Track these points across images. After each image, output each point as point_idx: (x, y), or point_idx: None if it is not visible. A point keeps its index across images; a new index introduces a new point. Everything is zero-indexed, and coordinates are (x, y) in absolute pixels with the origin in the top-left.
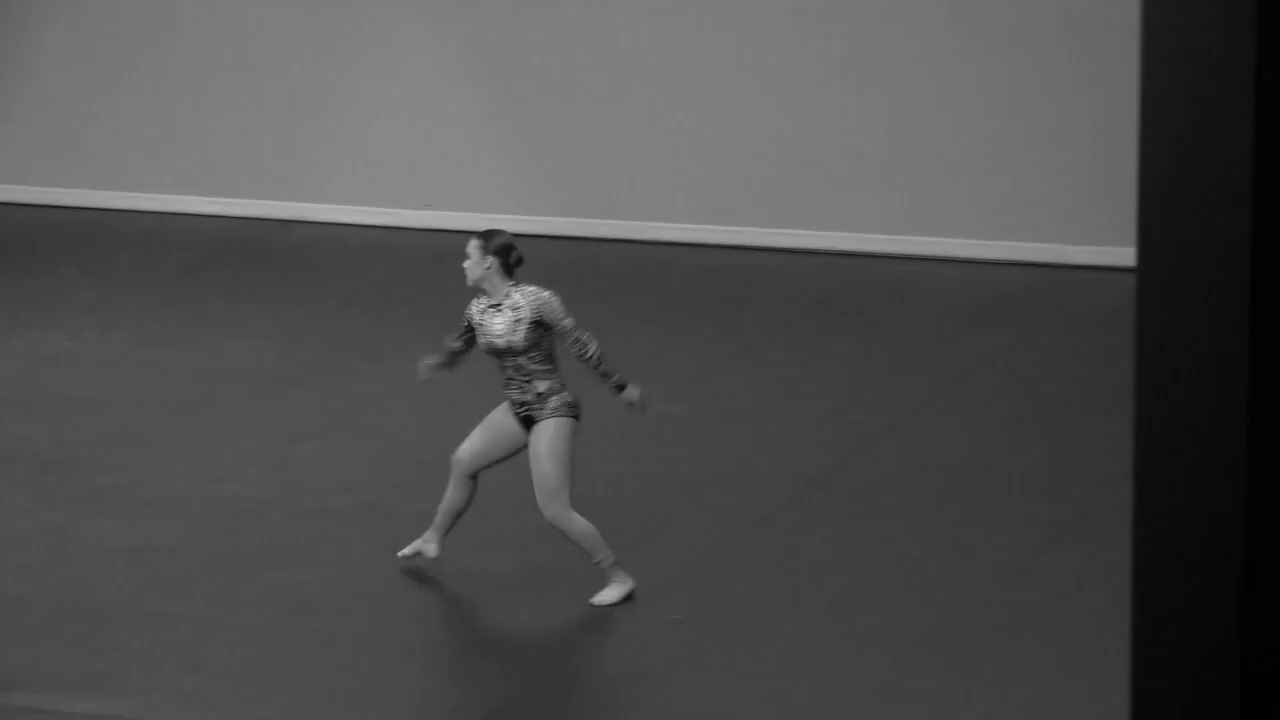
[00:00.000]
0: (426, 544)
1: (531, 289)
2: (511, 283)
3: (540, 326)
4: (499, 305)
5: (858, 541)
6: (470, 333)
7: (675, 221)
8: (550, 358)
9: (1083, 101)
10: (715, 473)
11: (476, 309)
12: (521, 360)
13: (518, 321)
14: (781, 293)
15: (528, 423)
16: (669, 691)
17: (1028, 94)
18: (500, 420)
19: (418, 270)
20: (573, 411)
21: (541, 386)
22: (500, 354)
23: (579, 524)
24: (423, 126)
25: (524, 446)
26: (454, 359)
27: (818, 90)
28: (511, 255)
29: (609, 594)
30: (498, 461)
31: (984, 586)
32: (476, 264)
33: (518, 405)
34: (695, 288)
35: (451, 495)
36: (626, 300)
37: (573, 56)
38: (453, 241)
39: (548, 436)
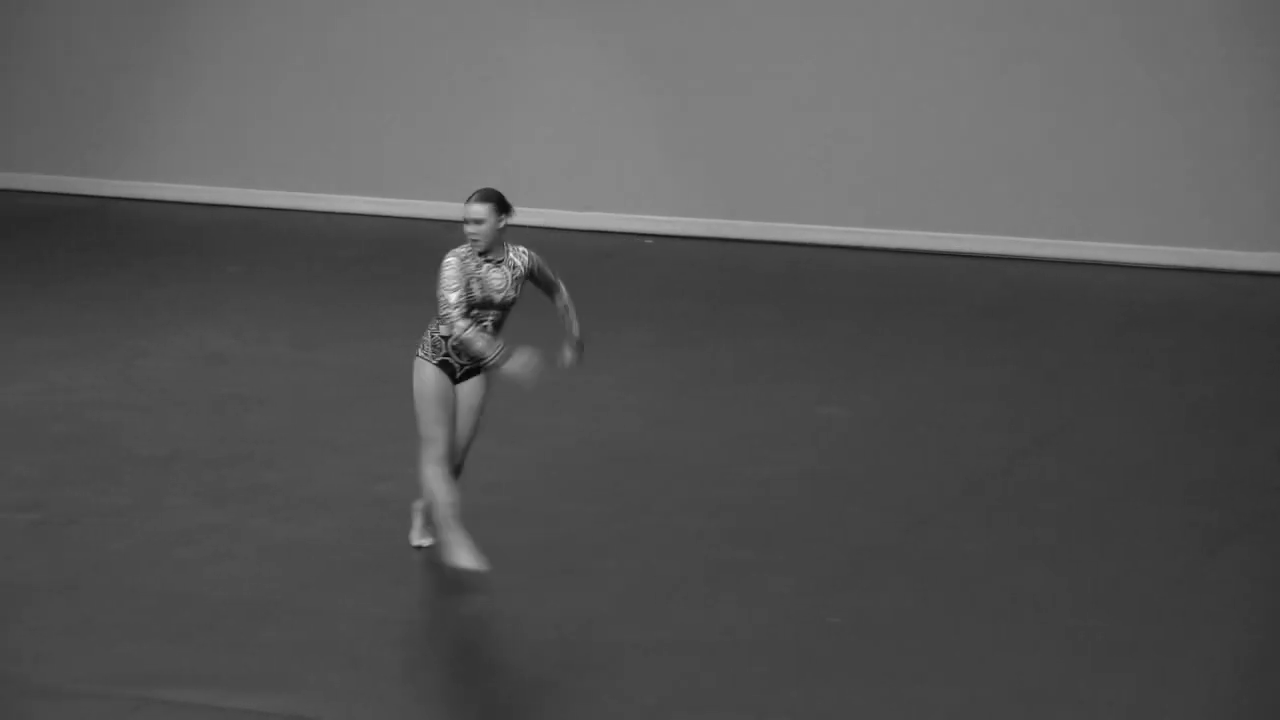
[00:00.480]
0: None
1: (522, 248)
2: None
3: (525, 282)
4: (499, 261)
5: (1019, 545)
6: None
7: (834, 224)
8: None
9: (1255, 107)
10: (876, 474)
11: (474, 264)
12: (500, 315)
13: (516, 278)
14: (942, 296)
15: (460, 375)
16: (828, 695)
17: (1196, 99)
18: (444, 389)
19: (579, 269)
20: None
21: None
22: (494, 307)
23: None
24: (582, 128)
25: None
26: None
27: (981, 93)
28: (511, 214)
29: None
30: None
31: (1147, 593)
32: (492, 226)
33: (463, 361)
34: (854, 291)
35: (451, 491)
36: (784, 303)
37: (733, 58)
38: (610, 242)
39: (482, 393)
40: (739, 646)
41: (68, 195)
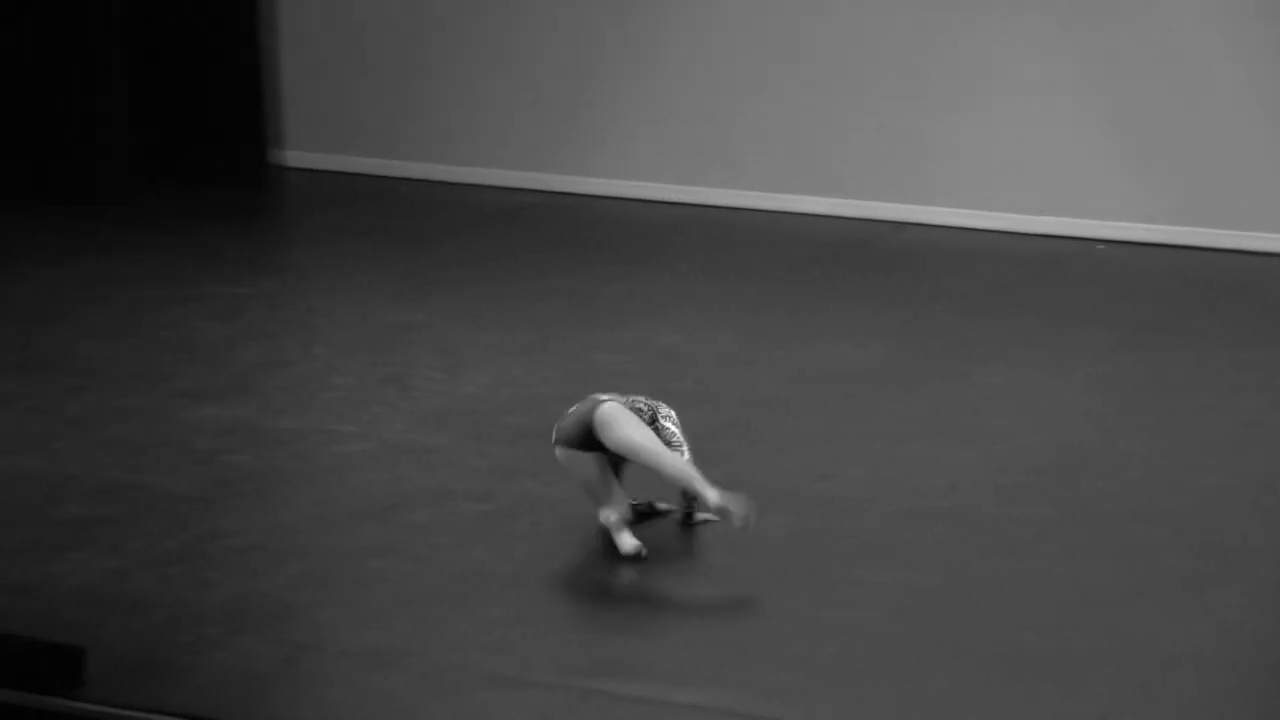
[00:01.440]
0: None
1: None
2: None
3: None
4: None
5: None
6: None
7: None
8: None
9: None
10: None
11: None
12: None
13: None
14: None
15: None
16: None
17: None
18: None
19: (1030, 274)
20: None
21: None
22: None
23: None
24: (1037, 129)
25: None
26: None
27: None
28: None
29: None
30: None
31: None
32: None
33: None
34: None
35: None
36: (1239, 312)
37: (1187, 60)
38: (1067, 247)
39: None
40: (1186, 660)
41: (530, 191)
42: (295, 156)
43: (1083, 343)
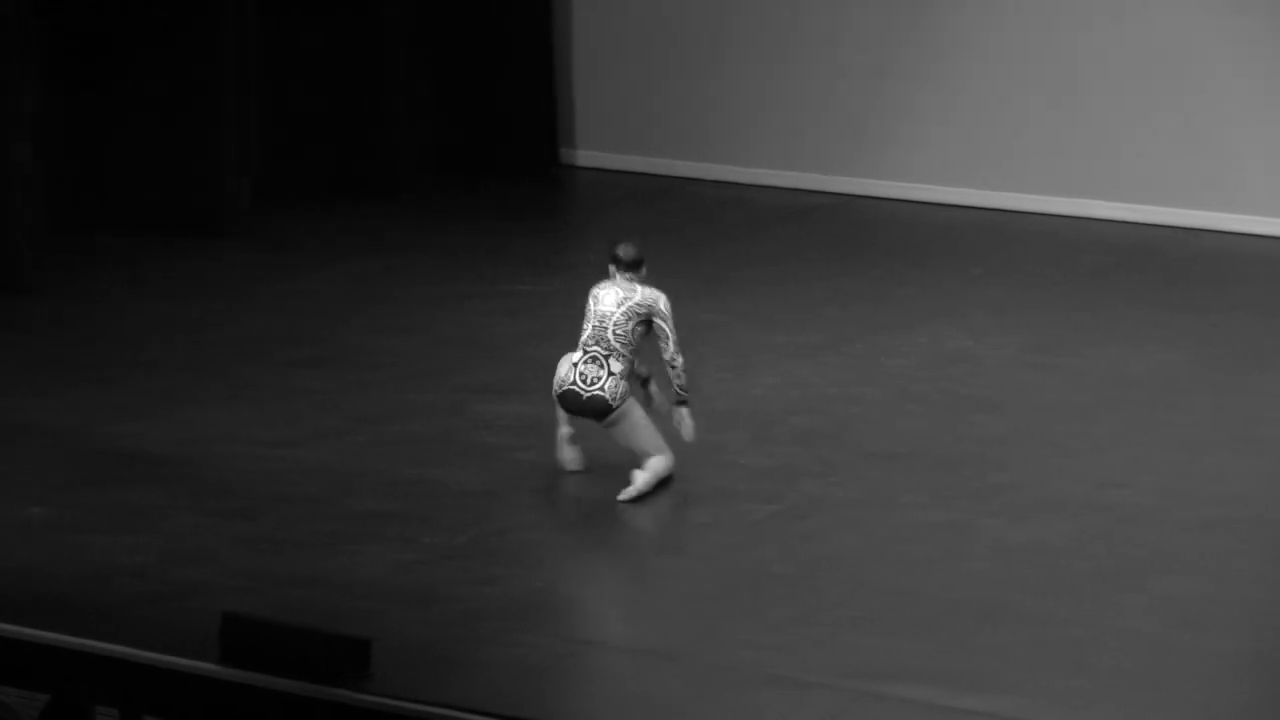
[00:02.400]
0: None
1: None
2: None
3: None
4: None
5: None
6: None
7: None
8: None
9: None
10: None
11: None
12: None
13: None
14: None
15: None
16: None
17: None
18: None
19: None
20: None
21: None
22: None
23: None
24: None
25: None
26: None
27: None
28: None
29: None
30: None
31: None
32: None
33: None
34: None
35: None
36: None
37: None
38: None
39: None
40: None
41: (820, 192)
42: (586, 156)
43: None
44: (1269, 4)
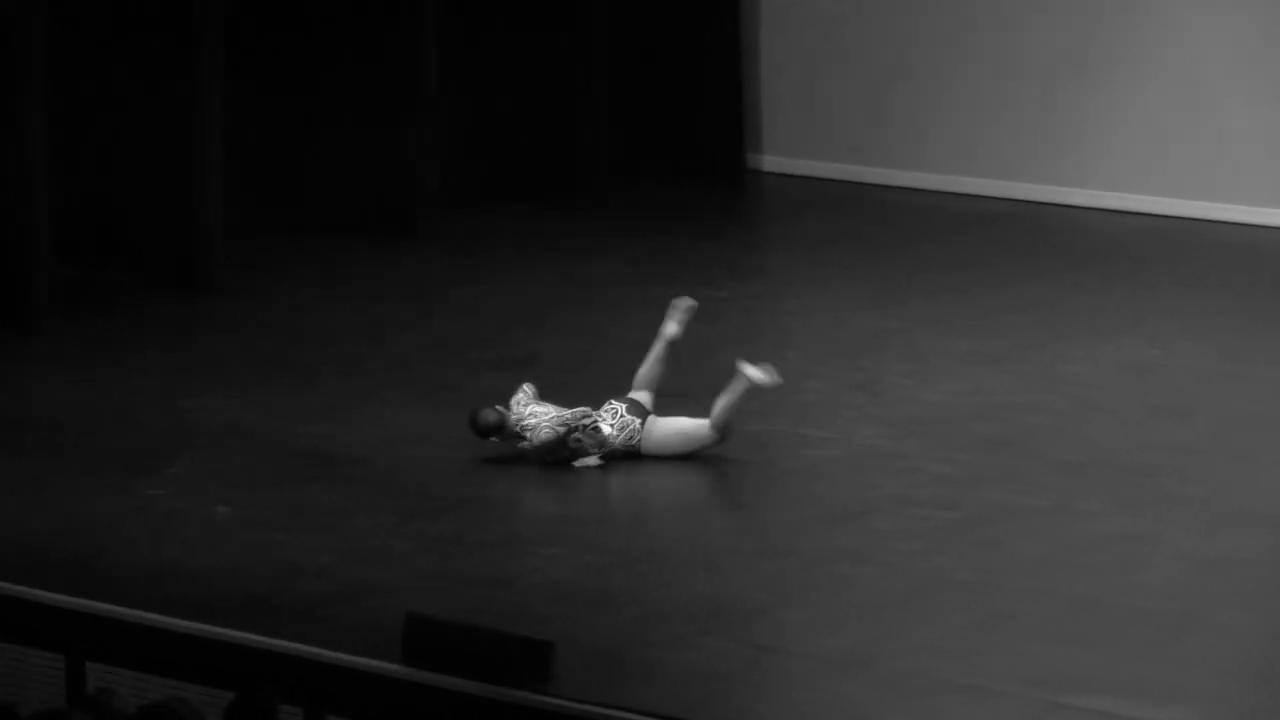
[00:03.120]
0: None
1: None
2: None
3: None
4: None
5: None
6: None
7: None
8: None
9: None
10: None
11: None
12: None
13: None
14: None
15: None
16: None
17: None
18: None
19: None
20: None
21: None
22: None
23: None
24: None
25: None
26: None
27: None
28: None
29: None
30: None
31: None
32: None
33: None
34: None
35: None
36: None
37: None
38: None
39: None
40: None
41: (1003, 199)
42: (771, 161)
43: None
44: None
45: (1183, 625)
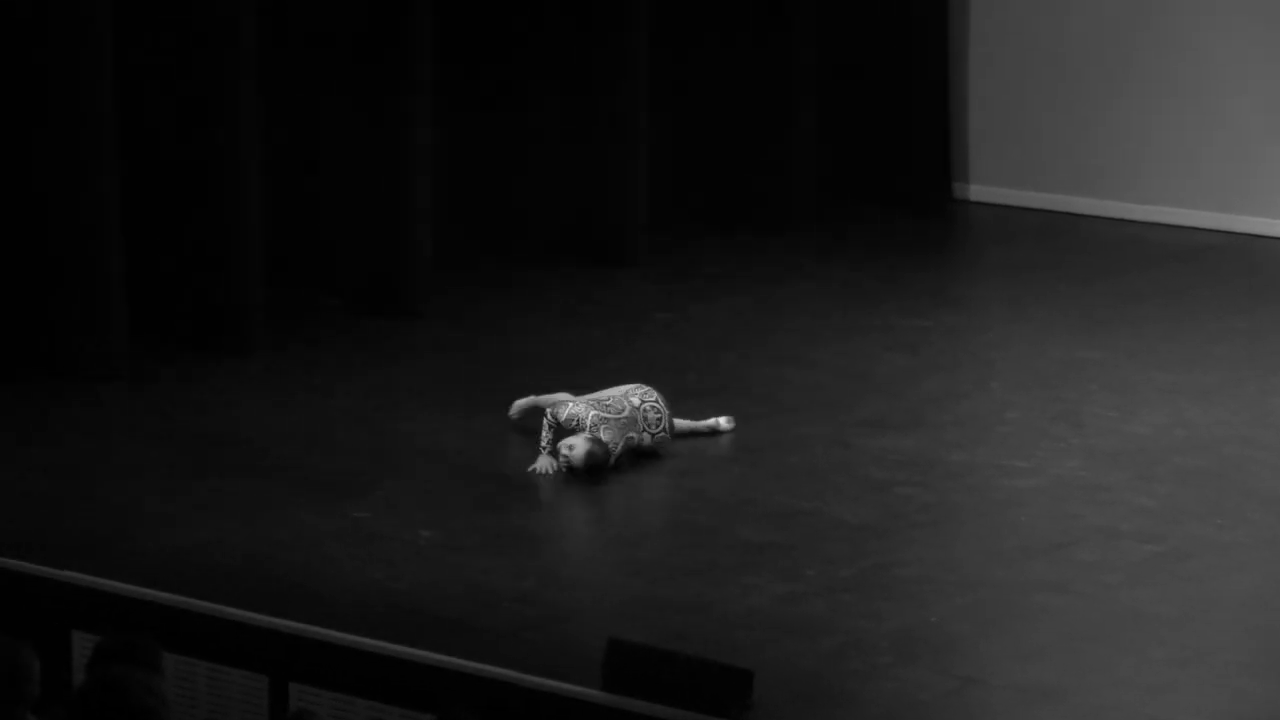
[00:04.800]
0: None
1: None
2: None
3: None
4: None
5: None
6: None
7: None
8: None
9: None
10: None
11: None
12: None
13: None
14: None
15: None
16: None
17: None
18: None
19: None
20: None
21: None
22: None
23: None
24: None
25: None
26: None
27: None
28: None
29: None
30: None
31: None
32: None
33: None
34: None
35: None
36: None
37: None
38: None
39: None
40: None
41: (1214, 231)
42: (978, 190)
43: None
44: None
45: None
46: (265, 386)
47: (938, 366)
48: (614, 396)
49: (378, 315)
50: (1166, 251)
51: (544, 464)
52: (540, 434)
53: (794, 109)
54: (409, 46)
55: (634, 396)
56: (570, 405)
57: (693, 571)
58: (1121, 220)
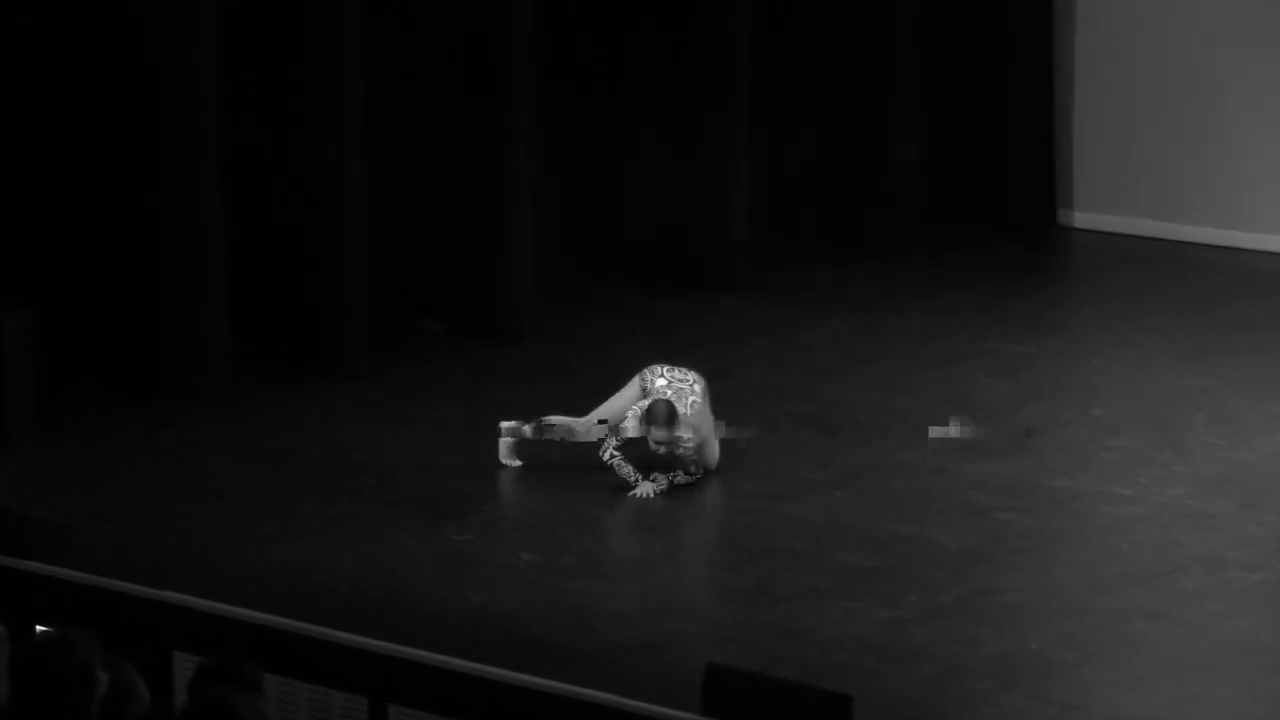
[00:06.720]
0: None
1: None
2: None
3: None
4: None
5: None
6: None
7: None
8: None
9: None
10: None
11: None
12: None
13: None
14: None
15: None
16: None
17: None
18: None
19: None
20: None
21: None
22: None
23: None
24: None
25: None
26: None
27: None
28: None
29: None
30: None
31: None
32: None
33: None
34: None
35: None
36: None
37: None
38: None
39: None
40: None
41: None
42: (1082, 218)
43: None
44: None
45: None
46: (368, 409)
47: (1040, 393)
48: (623, 397)
49: (478, 337)
50: (1274, 279)
51: (646, 488)
52: (606, 455)
53: (897, 134)
54: (511, 67)
55: (633, 388)
56: (622, 418)
57: (792, 596)
58: (1229, 248)
